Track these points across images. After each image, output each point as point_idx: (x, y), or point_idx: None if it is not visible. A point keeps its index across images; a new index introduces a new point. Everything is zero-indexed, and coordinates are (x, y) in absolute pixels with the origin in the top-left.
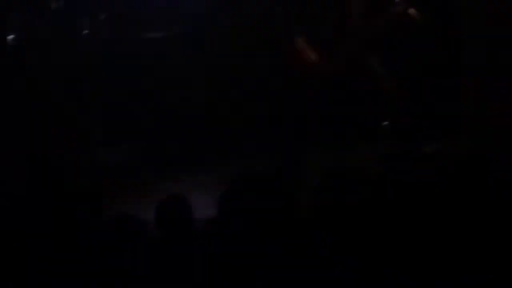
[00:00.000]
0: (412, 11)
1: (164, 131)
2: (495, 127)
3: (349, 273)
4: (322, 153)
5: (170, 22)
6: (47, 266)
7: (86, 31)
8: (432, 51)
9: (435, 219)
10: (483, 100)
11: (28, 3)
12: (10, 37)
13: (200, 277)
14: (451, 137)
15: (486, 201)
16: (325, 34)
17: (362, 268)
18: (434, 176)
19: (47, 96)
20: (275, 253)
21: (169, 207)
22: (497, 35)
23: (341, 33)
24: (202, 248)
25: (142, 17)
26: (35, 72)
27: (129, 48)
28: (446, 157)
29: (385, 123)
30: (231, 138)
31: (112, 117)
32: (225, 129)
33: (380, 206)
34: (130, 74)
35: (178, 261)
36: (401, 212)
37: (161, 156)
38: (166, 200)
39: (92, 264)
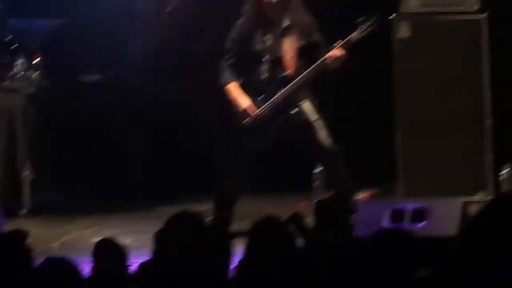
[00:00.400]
0: (345, 58)
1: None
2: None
3: None
4: (255, 201)
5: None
6: None
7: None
8: (366, 100)
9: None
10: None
11: None
12: None
13: None
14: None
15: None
16: (258, 79)
17: None
18: None
19: None
20: None
21: (103, 250)
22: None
23: (276, 79)
24: None
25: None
26: None
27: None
28: None
29: (318, 171)
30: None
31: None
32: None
33: (313, 254)
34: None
35: None
36: (331, 259)
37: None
38: (100, 243)
39: None
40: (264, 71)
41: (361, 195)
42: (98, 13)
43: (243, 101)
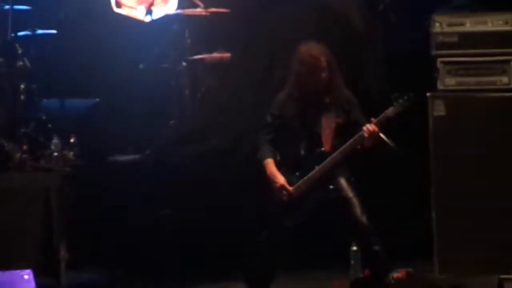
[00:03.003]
0: (382, 136)
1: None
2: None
3: None
4: (290, 279)
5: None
6: None
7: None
8: (402, 177)
9: None
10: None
11: None
12: None
13: None
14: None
15: None
16: (296, 155)
17: None
18: None
19: None
20: None
21: None
22: None
23: (313, 155)
24: None
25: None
26: None
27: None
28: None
29: (354, 249)
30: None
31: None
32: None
33: None
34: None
35: None
36: None
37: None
38: None
39: None
40: (301, 147)
41: (397, 274)
42: (131, 92)
43: (279, 178)
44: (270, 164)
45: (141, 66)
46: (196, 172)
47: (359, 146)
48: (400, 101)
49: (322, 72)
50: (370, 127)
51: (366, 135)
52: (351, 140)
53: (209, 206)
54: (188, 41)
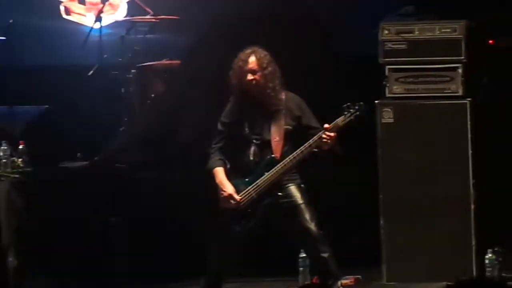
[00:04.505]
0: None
1: None
2: None
3: None
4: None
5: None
6: None
7: None
8: (353, 184)
9: None
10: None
11: None
12: None
13: None
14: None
15: None
16: (246, 162)
17: None
18: None
19: None
20: None
21: None
22: None
23: (262, 162)
24: None
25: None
26: None
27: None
28: None
29: (303, 256)
30: None
31: None
32: None
33: None
34: None
35: None
36: None
37: None
38: None
39: None
40: (251, 154)
41: (345, 281)
42: (80, 99)
43: (227, 187)
44: (219, 173)
45: (90, 73)
46: (146, 179)
47: (315, 150)
48: (351, 110)
49: (248, 75)
50: (328, 134)
51: (325, 141)
52: (305, 145)
53: (159, 212)
54: (137, 48)
